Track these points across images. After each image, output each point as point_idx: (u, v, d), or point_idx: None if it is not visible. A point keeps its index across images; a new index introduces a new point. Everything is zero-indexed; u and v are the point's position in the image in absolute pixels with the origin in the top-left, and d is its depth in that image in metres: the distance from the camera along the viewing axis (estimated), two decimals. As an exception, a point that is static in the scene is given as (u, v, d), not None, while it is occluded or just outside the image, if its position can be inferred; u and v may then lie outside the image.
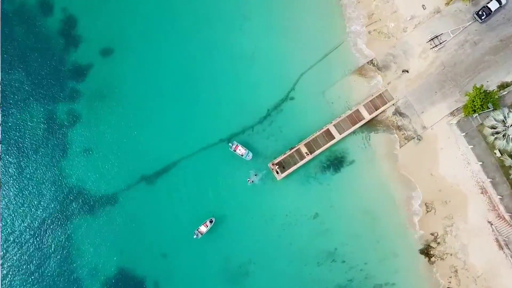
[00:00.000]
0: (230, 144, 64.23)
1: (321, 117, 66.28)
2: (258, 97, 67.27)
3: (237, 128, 66.59)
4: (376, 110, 65.82)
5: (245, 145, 65.02)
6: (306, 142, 64.54)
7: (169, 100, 67.34)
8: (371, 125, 66.38)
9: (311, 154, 64.02)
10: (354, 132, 65.83)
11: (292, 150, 64.31)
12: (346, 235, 63.89)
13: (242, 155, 64.06)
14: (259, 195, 64.50)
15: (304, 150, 64.34)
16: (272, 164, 63.90)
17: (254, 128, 66.51)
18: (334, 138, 64.84)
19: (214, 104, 67.19)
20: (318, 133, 64.73)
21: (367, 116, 65.65)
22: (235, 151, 64.20)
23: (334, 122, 65.11)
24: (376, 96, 66.15)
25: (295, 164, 64.09)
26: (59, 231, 63.90)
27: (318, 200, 64.56)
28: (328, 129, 65.00)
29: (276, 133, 66.23)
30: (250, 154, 64.13)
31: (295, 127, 66.29)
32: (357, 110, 65.73)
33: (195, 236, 61.79)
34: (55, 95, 67.50)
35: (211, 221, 62.72)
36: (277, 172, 63.61)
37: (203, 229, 62.15)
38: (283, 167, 63.95)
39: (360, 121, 65.50)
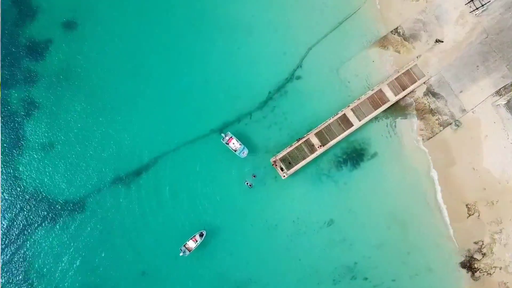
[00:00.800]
0: (222, 135, 51.69)
1: (336, 100, 53.55)
2: (257, 76, 54.48)
3: (231, 115, 53.90)
4: (403, 90, 53.01)
5: (242, 137, 52.45)
6: (317, 131, 51.84)
7: (146, 81, 54.47)
8: (397, 109, 53.60)
9: (323, 146, 51.42)
10: (376, 118, 53.12)
11: (300, 142, 51.64)
12: (368, 246, 51.43)
13: (235, 151, 51.64)
14: (260, 198, 51.92)
15: (314, 141, 51.67)
16: (275, 160, 51.32)
17: (253, 115, 53.80)
18: (352, 125, 52.12)
19: (203, 86, 54.37)
20: (332, 120, 52.00)
21: (392, 98, 52.85)
22: (227, 144, 51.68)
23: (351, 106, 52.36)
24: (403, 73, 53.28)
25: (303, 159, 51.45)
26: (12, 248, 51.58)
27: (333, 203, 52.03)
28: (344, 114, 52.27)
29: (279, 120, 53.54)
30: (245, 151, 51.76)
31: (303, 113, 53.56)
32: (380, 91, 52.93)
33: (181, 254, 49.51)
34: (6, 78, 54.71)
35: (201, 235, 50.23)
36: (282, 169, 51.04)
37: (191, 244, 49.67)
38: (289, 163, 51.36)
39: (383, 104, 52.73)
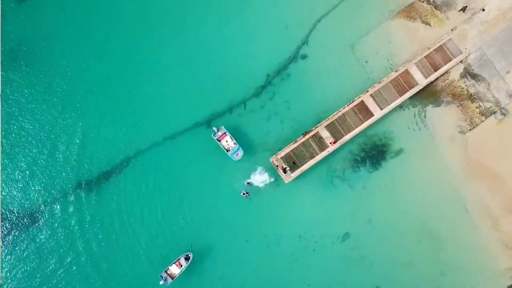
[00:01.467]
0: (214, 129, 41.27)
1: (351, 84, 42.98)
2: (253, 55, 43.90)
3: (221, 104, 43.39)
4: (434, 71, 42.46)
5: (234, 131, 42.06)
6: (328, 123, 41.37)
7: (114, 60, 44.02)
8: (427, 94, 43.03)
9: (336, 141, 40.99)
10: (401, 106, 42.63)
11: (307, 136, 41.21)
12: (393, 265, 41.16)
13: (227, 151, 41.29)
14: (258, 208, 41.49)
15: (325, 135, 41.23)
16: (277, 160, 40.95)
17: (248, 103, 43.30)
18: (372, 115, 41.63)
19: (186, 68, 43.84)
20: (346, 109, 41.53)
21: (421, 81, 42.32)
22: (219, 140, 41.33)
23: (371, 91, 41.86)
24: (434, 50, 42.70)
25: (312, 157, 41.03)
26: None
27: (349, 212, 41.67)
28: (362, 102, 41.76)
29: (281, 110, 43.01)
30: (240, 152, 41.44)
31: (310, 100, 43.01)
32: (406, 72, 42.37)
33: (162, 282, 39.23)
34: None
35: (187, 258, 39.94)
36: (285, 171, 40.68)
37: (174, 270, 39.39)
38: (294, 163, 40.95)
39: (410, 88, 42.19)
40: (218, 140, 41.45)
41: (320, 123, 41.55)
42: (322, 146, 41.14)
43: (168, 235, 41.13)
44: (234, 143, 41.21)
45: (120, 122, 42.92)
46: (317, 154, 41.07)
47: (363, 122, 41.54)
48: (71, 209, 41.69)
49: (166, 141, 42.83)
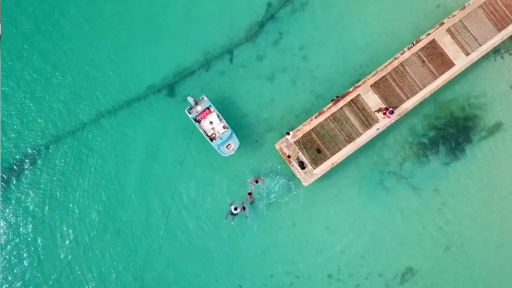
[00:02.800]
0: (190, 101, 23.51)
1: (413, 10, 25.29)
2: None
3: (191, 54, 25.83)
4: (554, -11, 24.69)
5: (218, 103, 24.62)
6: (376, 79, 23.64)
7: None
8: (542, 29, 25.36)
9: (392, 110, 23.09)
10: (498, 50, 24.95)
11: (340, 104, 23.56)
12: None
13: (212, 139, 23.88)
14: (260, 232, 24.17)
15: (371, 100, 23.55)
16: (288, 146, 23.37)
17: (236, 52, 25.68)
18: (452, 65, 23.92)
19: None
20: (407, 54, 23.78)
21: (533, 6, 24.56)
22: (198, 121, 23.95)
23: (448, 23, 24.08)
24: (553, -47, 24.83)
25: (348, 140, 23.42)
26: None
27: (412, 233, 24.19)
28: (433, 41, 23.96)
29: (292, 63, 25.35)
30: (234, 142, 23.93)
31: (341, 44, 25.34)
32: (506, -8, 24.64)
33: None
34: None
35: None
36: (302, 165, 23.13)
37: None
38: (318, 151, 23.37)
39: (515, 19, 24.52)
40: (196, 120, 23.91)
41: (361, 81, 23.89)
42: (366, 120, 23.53)
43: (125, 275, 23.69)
44: (224, 126, 23.68)
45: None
46: (358, 135, 23.46)
47: (436, 78, 23.84)
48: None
49: (104, 117, 25.34)
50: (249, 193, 23.23)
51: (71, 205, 24.85)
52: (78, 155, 25.13)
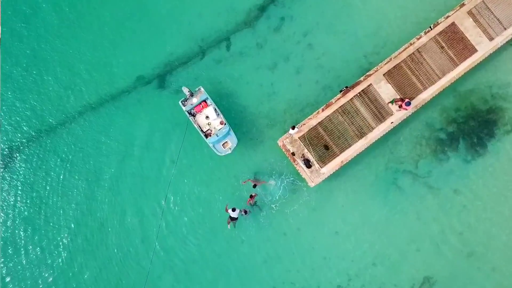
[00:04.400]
0: (185, 91, 20.94)
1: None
2: None
3: (183, 41, 23.40)
4: None
5: (214, 95, 22.16)
6: (390, 67, 21.16)
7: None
8: None
9: (409, 101, 20.60)
10: (526, 33, 22.57)
11: (350, 95, 21.12)
12: None
13: (207, 136, 21.37)
14: (260, 242, 21.76)
15: (385, 91, 21.11)
16: (292, 142, 20.93)
17: (233, 39, 23.25)
18: (474, 52, 21.46)
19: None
20: (423, 39, 21.30)
21: (563, -15, 22.12)
22: (193, 115, 21.51)
23: (469, 5, 21.63)
24: None
25: (359, 136, 20.97)
26: None
27: (429, 237, 21.69)
28: (452, 24, 21.55)
29: (296, 50, 22.90)
30: (231, 139, 21.48)
31: (351, 28, 22.91)
32: (533, -31, 22.16)
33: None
34: None
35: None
36: (308, 164, 20.66)
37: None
38: (326, 148, 20.92)
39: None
40: (190, 113, 21.45)
41: (373, 70, 21.44)
42: (379, 113, 21.07)
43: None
44: (222, 122, 21.20)
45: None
46: (370, 129, 21.00)
47: (456, 66, 21.39)
48: None
49: (85, 114, 22.88)
50: (252, 196, 20.68)
51: (43, 214, 22.35)
52: (53, 154, 22.63)
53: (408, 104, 19.69)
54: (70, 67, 23.45)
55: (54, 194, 22.52)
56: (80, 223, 22.21)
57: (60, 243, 22.05)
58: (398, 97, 20.87)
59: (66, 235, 22.11)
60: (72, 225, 22.20)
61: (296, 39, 23.18)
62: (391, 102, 20.74)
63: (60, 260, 21.92)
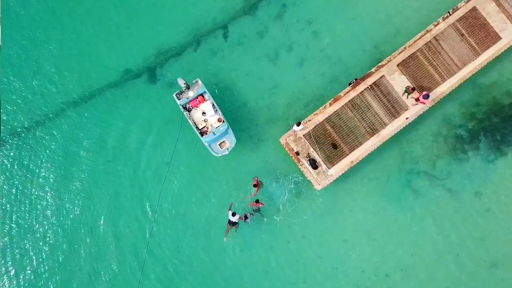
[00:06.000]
0: (181, 83, 18.70)
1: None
2: None
3: (176, 30, 21.32)
4: None
5: (210, 87, 20.04)
6: (405, 57, 19.06)
7: None
8: None
9: (427, 94, 18.49)
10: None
11: (360, 88, 19.03)
12: None
13: (203, 134, 19.17)
14: (264, 247, 19.67)
15: (399, 83, 19.00)
16: (295, 140, 18.84)
17: (230, 27, 21.19)
18: (498, 39, 19.36)
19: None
20: (441, 26, 19.22)
21: None
22: (189, 110, 19.41)
23: (492, -12, 19.69)
24: None
25: (371, 133, 18.90)
26: None
27: (448, 246, 19.66)
28: (473, 9, 19.43)
29: (299, 39, 20.85)
30: (230, 139, 19.32)
31: (360, 14, 20.86)
32: (560, -50, 20.06)
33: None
34: None
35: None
36: (314, 166, 18.56)
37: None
38: (334, 146, 18.83)
39: None
40: (186, 108, 19.37)
41: (386, 60, 19.34)
42: (392, 108, 18.96)
43: None
44: (220, 119, 19.10)
45: None
46: (383, 126, 18.89)
47: (478, 55, 19.28)
48: None
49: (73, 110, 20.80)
50: (258, 202, 18.45)
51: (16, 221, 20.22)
52: (31, 152, 20.54)
53: (426, 97, 17.58)
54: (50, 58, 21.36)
55: (42, 200, 20.44)
56: (64, 226, 20.13)
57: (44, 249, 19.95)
58: (411, 86, 18.73)
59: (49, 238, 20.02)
60: (56, 229, 20.11)
61: (299, 27, 21.10)
62: (406, 91, 18.60)
63: (44, 261, 19.82)
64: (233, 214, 17.96)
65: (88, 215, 20.17)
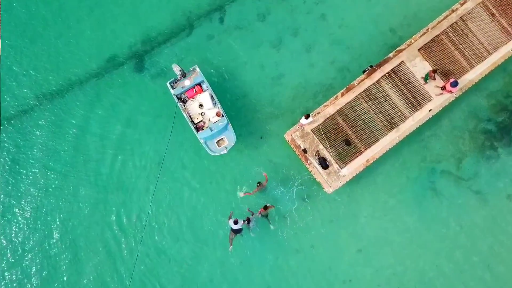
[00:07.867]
0: (176, 70, 16.26)
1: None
2: None
3: (170, 10, 18.98)
4: None
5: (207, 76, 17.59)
6: (427, 40, 16.71)
7: None
8: None
9: (450, 83, 16.11)
10: None
11: (376, 76, 16.68)
12: None
13: (199, 129, 16.78)
14: (268, 257, 17.28)
15: (420, 69, 16.64)
16: (302, 136, 16.45)
17: (228, 9, 18.85)
18: (533, 20, 17.07)
19: None
20: (469, 4, 16.90)
21: None
22: (184, 101, 16.97)
23: (526, -38, 17.28)
24: None
25: (389, 128, 16.53)
26: None
27: (481, 256, 17.34)
28: (506, -13, 17.20)
29: (306, 22, 18.55)
30: (229, 136, 16.83)
31: (374, -5, 18.69)
32: None
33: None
34: None
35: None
36: (325, 165, 16.18)
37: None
38: (347, 142, 16.46)
39: None
40: (180, 99, 16.97)
41: (405, 43, 16.94)
42: (413, 98, 16.56)
43: None
44: (219, 113, 16.69)
45: None
46: (403, 119, 16.49)
47: (511, 38, 16.89)
48: None
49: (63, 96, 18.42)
50: (267, 207, 15.96)
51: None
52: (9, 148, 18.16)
53: (455, 84, 15.17)
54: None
55: (31, 203, 18.06)
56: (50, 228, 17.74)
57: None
58: (431, 68, 16.32)
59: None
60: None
61: (306, 9, 18.71)
62: (425, 78, 16.20)
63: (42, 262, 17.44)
64: (235, 222, 15.54)
65: (67, 222, 17.78)
